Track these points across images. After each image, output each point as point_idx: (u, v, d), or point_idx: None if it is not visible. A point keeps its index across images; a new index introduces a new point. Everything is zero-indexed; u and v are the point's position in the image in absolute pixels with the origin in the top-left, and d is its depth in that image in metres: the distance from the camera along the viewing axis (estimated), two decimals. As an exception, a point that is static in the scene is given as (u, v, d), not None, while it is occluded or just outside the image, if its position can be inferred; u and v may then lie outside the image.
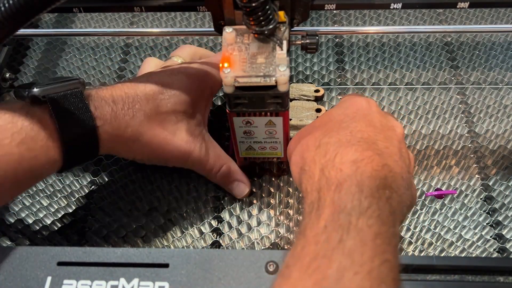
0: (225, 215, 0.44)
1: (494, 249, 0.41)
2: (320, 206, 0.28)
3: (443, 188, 0.45)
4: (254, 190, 0.45)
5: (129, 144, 0.38)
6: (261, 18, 0.33)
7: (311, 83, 0.54)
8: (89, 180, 0.47)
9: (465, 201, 0.44)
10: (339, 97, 0.52)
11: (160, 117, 0.39)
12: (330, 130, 0.33)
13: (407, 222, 0.43)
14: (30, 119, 0.33)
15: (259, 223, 0.44)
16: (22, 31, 0.35)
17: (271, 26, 0.34)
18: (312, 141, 0.33)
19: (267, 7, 0.32)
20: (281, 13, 0.35)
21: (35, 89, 0.34)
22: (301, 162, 0.33)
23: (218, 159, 0.43)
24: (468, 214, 0.43)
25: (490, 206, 0.44)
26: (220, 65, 0.34)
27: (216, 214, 0.44)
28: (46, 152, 0.34)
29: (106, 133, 0.37)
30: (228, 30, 0.35)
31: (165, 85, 0.39)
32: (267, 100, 0.35)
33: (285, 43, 0.34)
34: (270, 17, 0.33)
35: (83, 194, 0.46)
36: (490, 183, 0.45)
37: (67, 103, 0.35)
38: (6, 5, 0.27)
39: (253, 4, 0.31)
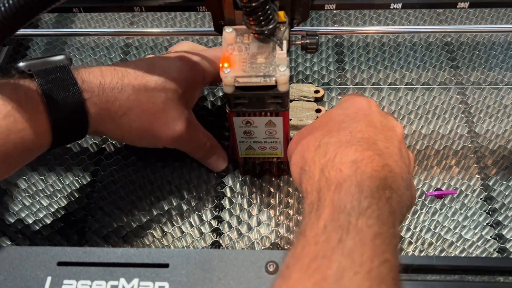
0: (225, 215, 0.44)
1: (494, 249, 0.41)
2: (320, 206, 0.28)
3: (443, 188, 0.45)
4: (254, 190, 0.45)
5: (117, 120, 0.38)
6: (261, 18, 0.33)
7: (311, 83, 0.54)
8: (89, 180, 0.47)
9: (465, 201, 0.44)
10: (339, 97, 0.52)
11: (149, 93, 0.39)
12: (330, 130, 0.33)
13: (407, 222, 0.43)
14: (16, 92, 0.34)
15: (259, 223, 0.44)
16: (22, 31, 0.35)
17: (271, 26, 0.34)
18: (312, 141, 0.33)
19: (267, 7, 0.32)
20: (281, 13, 0.35)
21: (20, 63, 0.34)
22: (301, 162, 0.33)
23: (204, 137, 0.44)
24: (468, 214, 0.43)
25: (490, 206, 0.44)
26: (220, 65, 0.34)
27: (216, 214, 0.44)
28: (34, 125, 0.34)
29: (94, 105, 0.36)
30: (228, 30, 0.35)
31: (156, 65, 0.40)
32: (267, 100, 0.35)
33: (285, 43, 0.34)
34: (270, 17, 0.33)
35: (83, 194, 0.46)
36: (490, 183, 0.45)
37: (53, 76, 0.35)
38: (6, 5, 0.27)
39: (253, 4, 0.31)
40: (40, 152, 0.37)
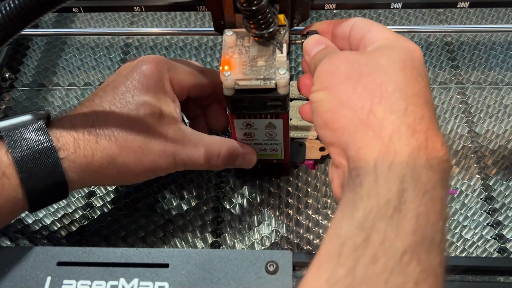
0: (225, 215, 0.44)
1: (495, 249, 0.41)
2: (403, 215, 0.24)
3: (443, 188, 0.45)
4: (254, 190, 0.45)
5: (103, 171, 0.35)
6: (261, 21, 0.33)
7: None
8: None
9: (465, 201, 0.44)
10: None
11: (125, 134, 0.35)
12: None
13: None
14: None
15: (259, 223, 0.44)
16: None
17: (271, 30, 0.34)
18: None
19: (267, 10, 0.32)
20: (281, 16, 0.35)
21: None
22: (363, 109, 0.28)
23: (212, 147, 0.38)
24: (468, 214, 0.43)
25: (490, 206, 0.44)
26: (221, 68, 0.34)
27: (216, 214, 0.44)
28: (2, 192, 0.32)
29: (73, 163, 0.34)
30: (228, 33, 0.35)
31: (120, 91, 0.36)
32: (267, 102, 0.35)
33: (285, 46, 0.34)
34: (270, 20, 0.33)
35: (83, 194, 0.46)
36: (491, 183, 0.45)
37: (24, 135, 0.33)
38: (8, 7, 0.27)
39: (253, 8, 0.31)
40: (20, 214, 0.35)
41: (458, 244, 0.42)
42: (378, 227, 0.24)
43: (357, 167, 0.26)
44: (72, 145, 0.34)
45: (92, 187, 0.46)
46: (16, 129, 0.33)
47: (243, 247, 0.42)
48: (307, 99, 0.51)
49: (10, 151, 0.32)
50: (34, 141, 0.33)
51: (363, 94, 0.27)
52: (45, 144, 0.33)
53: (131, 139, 0.35)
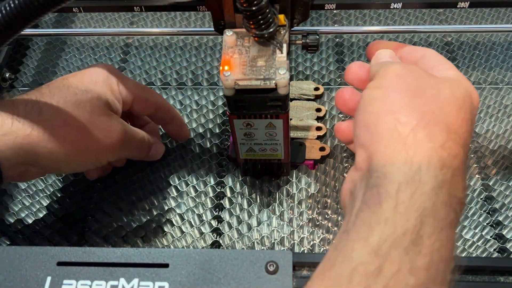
0: (225, 215, 0.44)
1: (495, 249, 0.41)
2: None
3: (443, 188, 0.45)
4: (254, 190, 0.45)
5: (38, 150, 0.35)
6: (261, 21, 0.33)
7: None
8: (89, 180, 0.47)
9: (465, 201, 0.44)
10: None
11: (74, 107, 0.36)
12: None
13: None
14: None
15: (259, 223, 0.44)
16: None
17: (271, 30, 0.34)
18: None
19: (267, 10, 0.32)
20: (281, 17, 0.35)
21: None
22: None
23: (141, 132, 0.42)
24: (468, 214, 0.43)
25: (490, 206, 0.44)
26: (221, 68, 0.34)
27: (216, 214, 0.44)
28: None
29: (7, 138, 0.34)
30: (228, 33, 0.35)
31: (70, 79, 0.38)
32: (267, 103, 0.35)
33: (285, 46, 0.34)
34: (270, 20, 0.33)
35: (83, 194, 0.46)
36: (490, 183, 0.45)
37: None
38: (8, 8, 0.27)
39: (253, 8, 0.31)
40: None
41: (458, 244, 0.42)
42: (393, 257, 0.23)
43: (378, 185, 0.25)
44: (10, 121, 0.34)
45: (93, 187, 0.46)
46: None
47: (243, 247, 0.42)
48: (307, 99, 0.52)
49: None
50: None
51: (415, 112, 0.27)
52: None
53: (71, 120, 0.36)
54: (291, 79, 0.54)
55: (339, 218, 0.43)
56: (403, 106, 0.27)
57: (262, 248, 0.42)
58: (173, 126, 0.46)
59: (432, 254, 0.23)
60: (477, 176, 0.46)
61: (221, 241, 0.43)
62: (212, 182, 0.46)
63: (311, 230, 0.43)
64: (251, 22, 0.33)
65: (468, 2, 0.38)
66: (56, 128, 0.35)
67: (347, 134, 0.35)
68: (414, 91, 0.28)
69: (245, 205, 0.45)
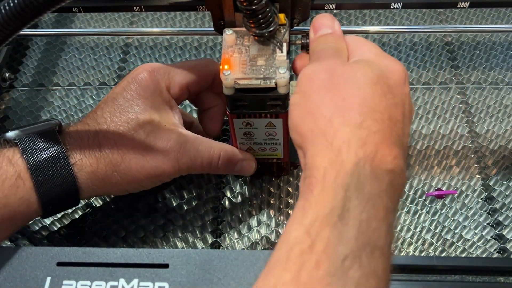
0: (225, 215, 0.44)
1: (495, 249, 0.41)
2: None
3: (444, 188, 0.45)
4: (254, 190, 0.45)
5: (108, 179, 0.37)
6: (261, 20, 0.33)
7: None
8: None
9: (466, 201, 0.44)
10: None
11: (125, 141, 0.37)
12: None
13: (407, 222, 0.43)
14: (4, 167, 0.33)
15: (259, 223, 0.44)
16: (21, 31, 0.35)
17: (271, 29, 0.34)
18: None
19: (267, 9, 0.32)
20: (281, 16, 0.35)
21: (8, 133, 0.35)
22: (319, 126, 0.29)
23: (211, 150, 0.39)
24: (469, 214, 0.43)
25: (490, 206, 0.44)
26: (221, 67, 0.34)
27: (216, 214, 0.44)
28: (16, 192, 0.33)
29: (81, 170, 0.36)
30: (228, 32, 0.35)
31: (119, 100, 0.38)
32: (267, 102, 0.35)
33: (285, 45, 0.34)
34: (270, 19, 0.33)
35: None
36: (491, 183, 0.45)
37: (38, 143, 0.35)
38: (7, 7, 0.27)
39: (254, 7, 0.31)
40: (32, 219, 0.37)
41: (459, 244, 0.42)
42: (322, 233, 0.25)
43: (310, 175, 0.27)
44: (79, 154, 0.36)
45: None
46: (29, 136, 0.35)
47: (243, 247, 0.42)
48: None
49: (24, 156, 0.34)
50: (47, 148, 0.35)
51: (329, 104, 0.29)
52: (57, 151, 0.35)
53: (132, 146, 0.37)
54: (291, 78, 0.54)
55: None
56: (319, 104, 0.29)
57: (262, 248, 0.42)
58: (215, 110, 0.43)
59: (359, 224, 0.25)
60: (477, 176, 0.46)
61: (221, 241, 0.43)
62: (212, 182, 0.46)
63: (311, 230, 0.43)
64: (251, 21, 0.33)
65: (468, 2, 0.38)
66: (117, 163, 0.37)
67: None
68: (327, 86, 0.30)
69: (245, 205, 0.45)
